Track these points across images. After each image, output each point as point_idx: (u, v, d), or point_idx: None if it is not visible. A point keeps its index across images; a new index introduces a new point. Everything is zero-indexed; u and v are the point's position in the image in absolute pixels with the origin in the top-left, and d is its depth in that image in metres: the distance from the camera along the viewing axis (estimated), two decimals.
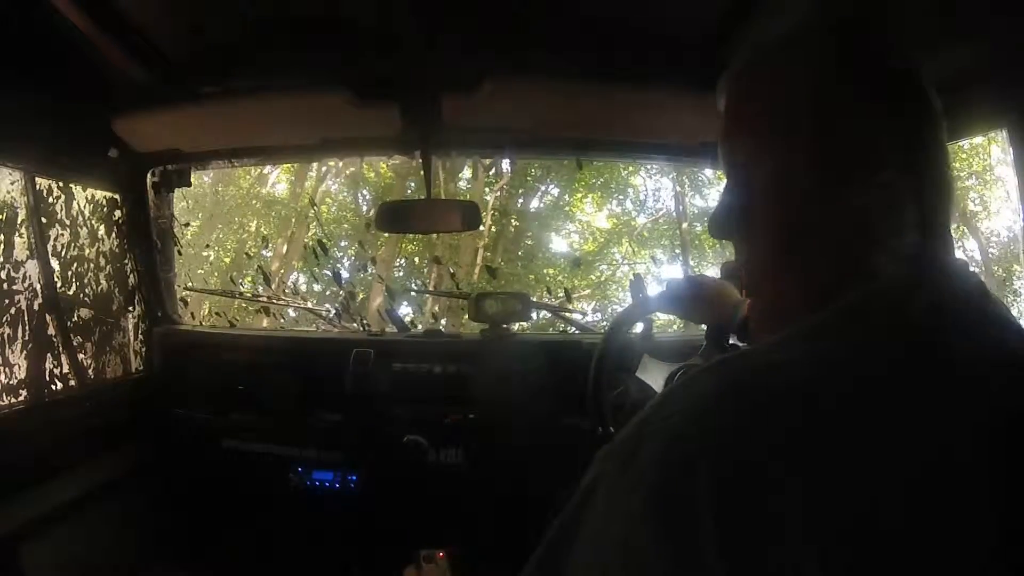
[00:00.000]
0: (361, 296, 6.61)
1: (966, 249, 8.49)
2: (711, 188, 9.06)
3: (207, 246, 8.05)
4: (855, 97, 0.52)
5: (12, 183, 1.53)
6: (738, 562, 0.40)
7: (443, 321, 5.79)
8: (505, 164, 7.90)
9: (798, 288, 0.54)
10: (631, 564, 0.43)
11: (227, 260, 8.35)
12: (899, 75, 0.55)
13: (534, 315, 2.25)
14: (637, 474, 0.45)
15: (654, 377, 1.38)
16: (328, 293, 7.00)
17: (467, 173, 8.50)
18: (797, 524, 0.40)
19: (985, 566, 0.42)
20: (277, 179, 9.18)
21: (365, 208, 9.00)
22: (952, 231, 0.55)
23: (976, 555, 0.42)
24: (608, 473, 0.48)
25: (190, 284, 4.37)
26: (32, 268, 1.54)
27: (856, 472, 0.42)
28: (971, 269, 0.55)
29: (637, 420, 0.48)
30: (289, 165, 8.48)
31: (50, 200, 1.60)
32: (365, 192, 9.23)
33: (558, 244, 9.54)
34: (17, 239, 1.53)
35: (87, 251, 1.73)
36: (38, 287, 1.56)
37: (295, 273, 8.27)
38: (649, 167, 8.86)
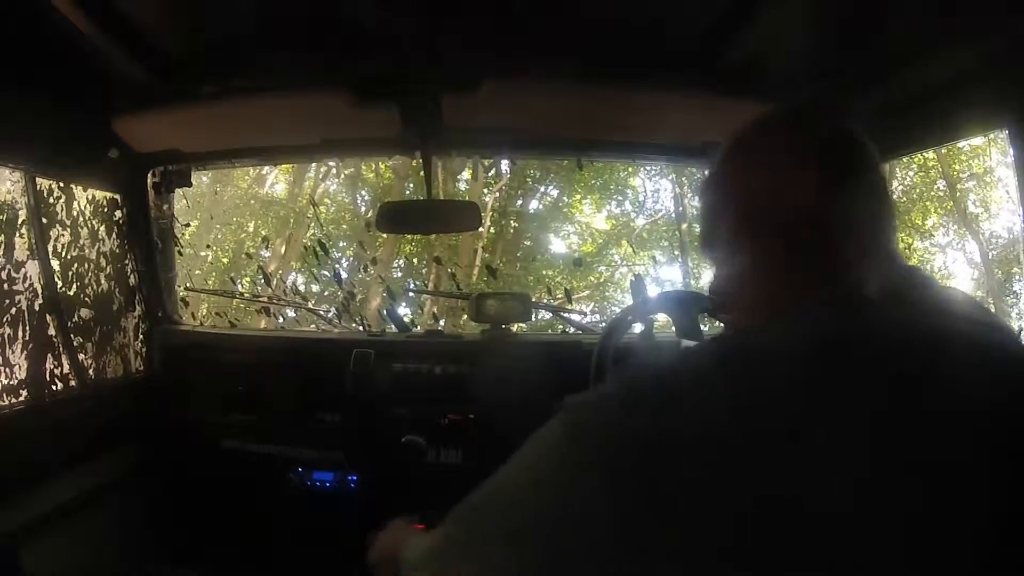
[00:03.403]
0: (360, 297, 6.60)
1: (966, 251, 8.53)
2: None
3: (208, 246, 8.04)
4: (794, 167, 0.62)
5: (12, 183, 1.53)
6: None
7: (442, 321, 5.79)
8: (504, 165, 7.88)
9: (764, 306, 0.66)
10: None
11: (225, 260, 8.34)
12: (831, 137, 0.64)
13: (534, 315, 2.25)
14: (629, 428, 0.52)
15: None
16: (327, 294, 7.00)
17: (466, 175, 8.48)
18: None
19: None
20: (275, 179, 9.17)
21: (363, 209, 9.00)
22: (894, 249, 0.63)
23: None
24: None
25: (189, 284, 4.36)
26: (32, 268, 1.54)
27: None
28: (916, 276, 0.62)
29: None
30: (287, 166, 8.47)
31: (50, 200, 1.60)
32: (363, 193, 9.23)
33: (557, 245, 9.53)
34: (17, 239, 1.52)
35: (87, 251, 1.73)
36: (38, 287, 1.55)
37: (293, 274, 8.26)
38: (648, 168, 8.86)
